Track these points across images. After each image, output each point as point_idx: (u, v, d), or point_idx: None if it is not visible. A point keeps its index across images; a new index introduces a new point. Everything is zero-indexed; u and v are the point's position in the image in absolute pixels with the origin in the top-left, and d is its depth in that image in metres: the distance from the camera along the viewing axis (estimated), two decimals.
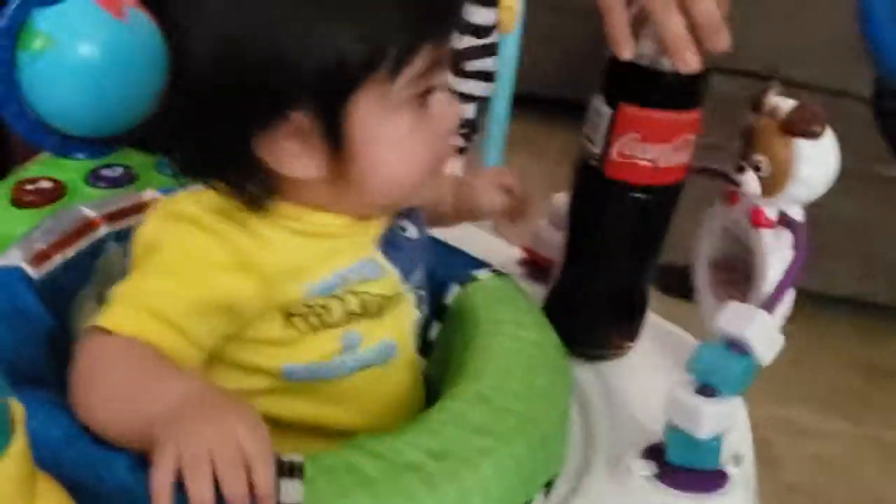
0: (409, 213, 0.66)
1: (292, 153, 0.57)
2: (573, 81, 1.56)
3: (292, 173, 0.58)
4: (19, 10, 0.87)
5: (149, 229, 0.59)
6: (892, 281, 1.96)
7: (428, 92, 0.58)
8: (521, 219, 0.80)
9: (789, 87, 0.68)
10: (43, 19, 0.88)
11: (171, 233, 0.58)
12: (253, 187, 0.58)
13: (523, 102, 1.67)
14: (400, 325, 0.65)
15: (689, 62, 0.63)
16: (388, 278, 0.63)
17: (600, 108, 0.68)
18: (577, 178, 0.72)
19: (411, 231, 0.66)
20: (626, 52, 0.65)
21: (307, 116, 0.56)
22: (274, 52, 0.54)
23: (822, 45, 1.71)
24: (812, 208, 0.72)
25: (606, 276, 0.74)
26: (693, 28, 0.63)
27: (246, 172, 0.57)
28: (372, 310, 0.62)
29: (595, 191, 0.71)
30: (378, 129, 0.57)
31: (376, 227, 0.63)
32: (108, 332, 0.54)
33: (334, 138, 0.56)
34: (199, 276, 0.56)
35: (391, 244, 0.64)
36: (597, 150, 0.68)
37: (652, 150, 0.66)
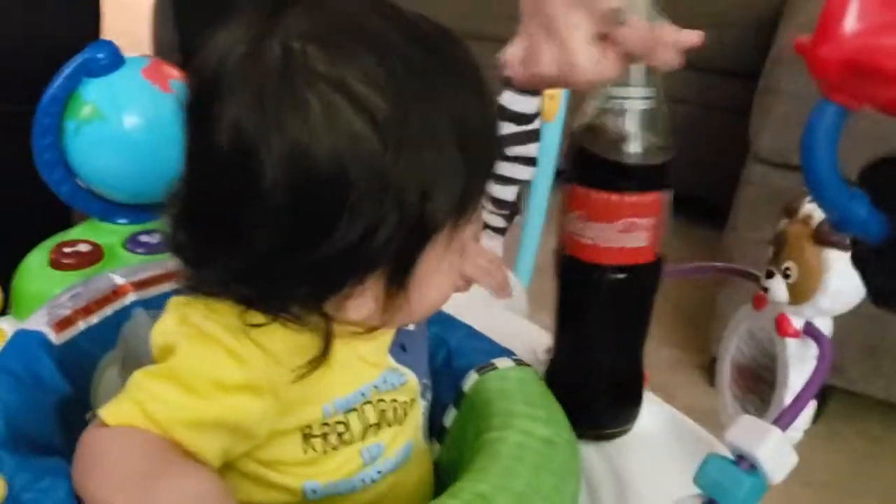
0: None
1: (354, 303, 0.55)
2: None
3: (348, 318, 0.56)
4: (69, 79, 0.89)
5: (167, 329, 0.57)
6: None
7: None
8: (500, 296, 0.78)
9: None
10: (91, 90, 0.90)
11: (187, 341, 0.55)
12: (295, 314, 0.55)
13: None
14: (415, 423, 0.65)
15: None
16: (407, 384, 0.63)
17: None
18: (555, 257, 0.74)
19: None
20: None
21: (381, 273, 0.54)
22: (362, 225, 0.51)
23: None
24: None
25: (585, 354, 0.75)
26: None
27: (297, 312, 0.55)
28: (392, 418, 0.62)
29: (564, 269, 0.73)
30: (437, 266, 0.56)
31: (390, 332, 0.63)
32: (106, 425, 0.53)
33: (399, 284, 0.55)
34: (207, 393, 0.54)
35: (400, 345, 0.63)
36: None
37: (593, 228, 0.68)
